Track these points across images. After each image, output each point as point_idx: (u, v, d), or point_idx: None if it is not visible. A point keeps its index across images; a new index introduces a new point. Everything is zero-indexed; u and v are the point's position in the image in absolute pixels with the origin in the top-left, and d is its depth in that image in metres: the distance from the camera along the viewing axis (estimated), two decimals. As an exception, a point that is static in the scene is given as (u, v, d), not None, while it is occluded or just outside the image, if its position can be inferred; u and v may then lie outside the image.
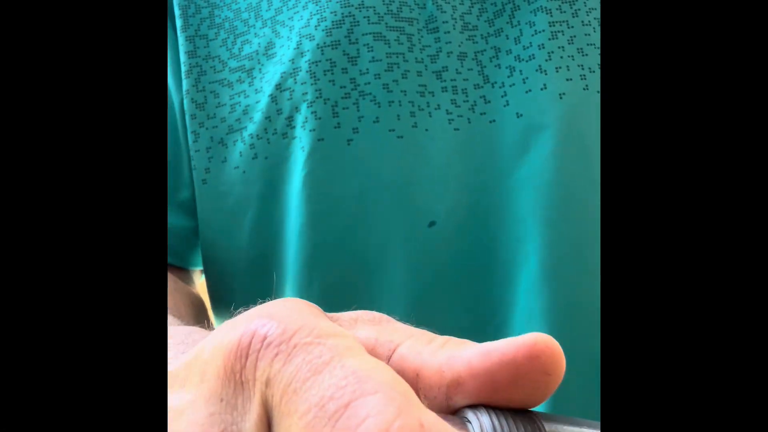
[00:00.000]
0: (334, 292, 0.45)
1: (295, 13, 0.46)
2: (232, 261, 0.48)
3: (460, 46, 0.45)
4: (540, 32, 0.45)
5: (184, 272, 0.53)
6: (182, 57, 0.49)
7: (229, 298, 0.50)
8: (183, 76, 0.49)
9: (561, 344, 0.44)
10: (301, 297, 0.44)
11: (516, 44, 0.45)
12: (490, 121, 0.44)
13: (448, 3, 0.46)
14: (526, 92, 0.44)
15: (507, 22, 0.46)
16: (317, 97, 0.44)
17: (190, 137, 0.48)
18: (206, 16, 0.50)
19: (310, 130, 0.44)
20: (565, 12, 0.45)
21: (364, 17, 0.45)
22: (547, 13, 0.45)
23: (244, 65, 0.48)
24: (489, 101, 0.45)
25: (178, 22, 0.50)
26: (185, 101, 0.48)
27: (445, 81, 0.45)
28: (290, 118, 0.45)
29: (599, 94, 0.43)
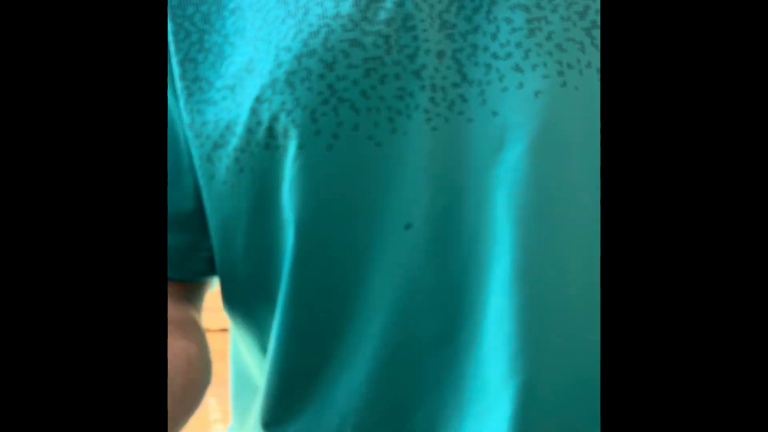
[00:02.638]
0: (318, 303, 0.45)
1: (274, 29, 0.47)
2: (231, 273, 0.49)
3: (437, 44, 0.45)
4: (518, 29, 0.44)
5: (187, 285, 0.53)
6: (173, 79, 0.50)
7: (233, 304, 0.51)
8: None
9: (533, 345, 0.44)
10: (290, 307, 0.46)
11: (492, 41, 0.45)
12: (468, 120, 0.44)
13: (425, 1, 0.46)
14: (502, 90, 0.44)
15: (484, 18, 0.45)
16: (295, 106, 0.44)
17: None
18: (195, 41, 0.50)
19: (291, 139, 0.44)
20: (543, 8, 0.45)
21: (340, 25, 0.45)
22: (524, 10, 0.44)
23: (228, 83, 0.48)
24: (467, 100, 0.44)
25: (170, 48, 0.51)
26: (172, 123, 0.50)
27: (423, 79, 0.44)
28: (270, 129, 0.45)
29: (578, 91, 0.43)
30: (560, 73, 0.43)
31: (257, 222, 0.47)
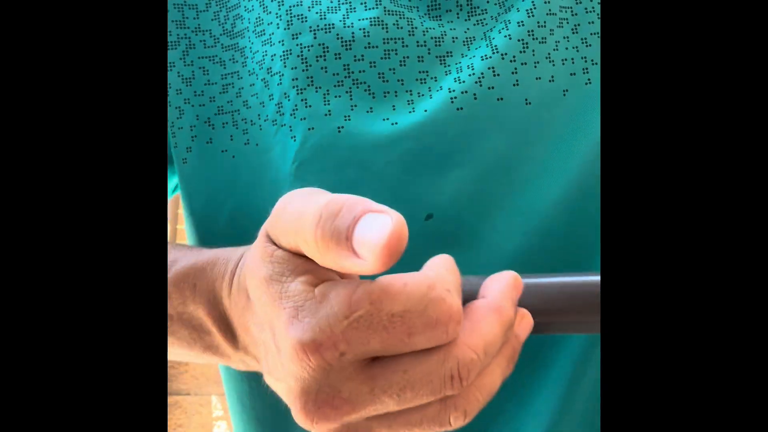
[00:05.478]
0: None
1: None
2: (213, 238, 0.46)
3: (466, 32, 0.43)
4: (552, 14, 0.42)
5: None
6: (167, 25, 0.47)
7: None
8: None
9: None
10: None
11: (529, 17, 0.42)
12: (498, 99, 0.41)
13: None
14: (536, 79, 0.41)
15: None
16: (309, 85, 0.42)
17: (174, 112, 0.46)
18: None
19: (301, 119, 0.42)
20: None
21: (361, 3, 0.43)
22: None
23: (237, 43, 0.45)
24: (498, 74, 0.41)
25: None
26: (169, 74, 0.46)
27: (449, 66, 0.42)
28: (280, 105, 0.43)
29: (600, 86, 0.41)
30: (585, 70, 0.42)
31: (248, 197, 0.44)
